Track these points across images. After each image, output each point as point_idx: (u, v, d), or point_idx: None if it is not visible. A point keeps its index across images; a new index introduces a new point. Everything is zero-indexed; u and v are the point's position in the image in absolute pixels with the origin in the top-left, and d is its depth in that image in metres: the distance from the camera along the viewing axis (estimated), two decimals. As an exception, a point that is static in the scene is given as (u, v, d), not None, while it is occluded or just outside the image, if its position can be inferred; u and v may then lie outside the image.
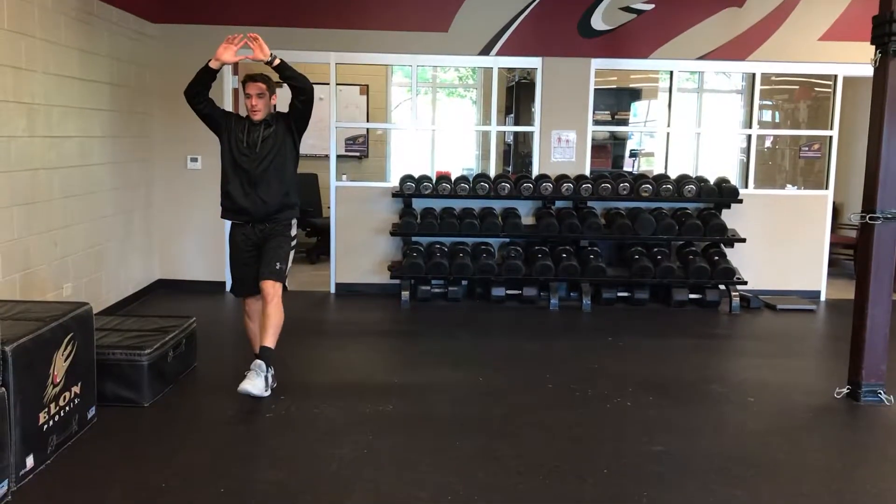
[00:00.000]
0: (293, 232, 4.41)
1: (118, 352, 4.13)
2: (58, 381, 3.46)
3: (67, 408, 3.56)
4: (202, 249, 7.17)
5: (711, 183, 7.08)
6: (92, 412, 3.84)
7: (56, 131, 5.17)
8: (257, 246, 4.32)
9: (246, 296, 4.45)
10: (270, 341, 4.19)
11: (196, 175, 7.06)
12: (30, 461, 3.25)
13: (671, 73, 7.34)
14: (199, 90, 4.20)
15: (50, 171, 5.09)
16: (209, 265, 7.18)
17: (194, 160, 7.04)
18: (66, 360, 3.53)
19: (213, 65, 4.15)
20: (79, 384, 3.66)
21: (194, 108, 4.25)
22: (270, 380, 4.22)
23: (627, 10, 7.07)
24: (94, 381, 3.88)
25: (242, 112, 4.40)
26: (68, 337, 3.56)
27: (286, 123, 4.30)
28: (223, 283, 7.15)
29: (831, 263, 7.76)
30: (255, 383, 4.07)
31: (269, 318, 4.18)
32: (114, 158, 6.10)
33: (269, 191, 4.25)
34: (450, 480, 3.33)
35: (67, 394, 3.56)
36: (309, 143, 9.60)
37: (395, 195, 7.03)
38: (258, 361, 4.15)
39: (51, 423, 3.41)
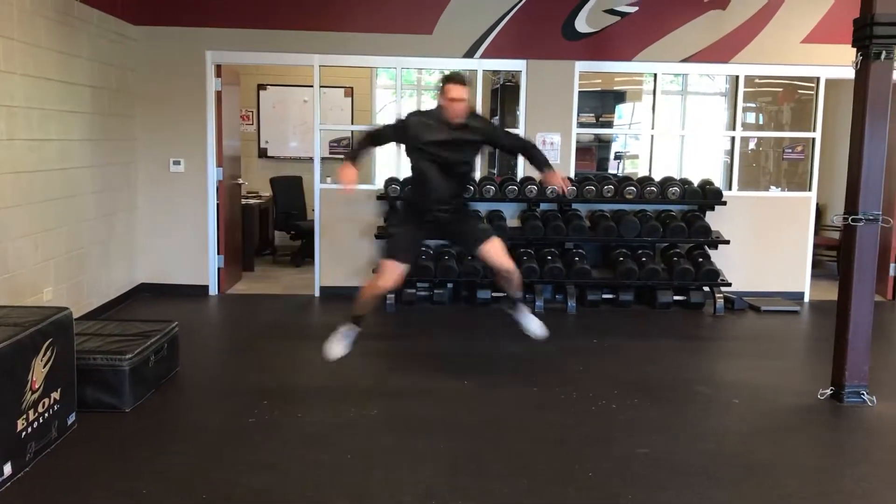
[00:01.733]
0: None
1: (99, 357, 4.08)
2: (36, 387, 3.42)
3: (46, 414, 3.51)
4: (185, 253, 7.11)
5: (695, 185, 7.11)
6: (72, 418, 3.79)
7: (36, 134, 5.11)
8: (441, 226, 4.64)
9: (405, 261, 4.58)
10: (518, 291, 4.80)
11: (179, 178, 7.01)
12: (7, 469, 3.20)
13: (655, 75, 7.34)
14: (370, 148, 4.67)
15: (31, 174, 5.04)
16: (192, 269, 7.12)
17: (177, 163, 6.99)
18: (45, 366, 3.49)
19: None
20: (58, 390, 3.62)
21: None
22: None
23: (611, 12, 7.08)
24: (75, 387, 3.83)
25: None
26: (47, 342, 3.51)
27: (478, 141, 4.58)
28: (206, 287, 7.11)
29: (815, 265, 7.80)
30: (534, 325, 4.84)
31: (511, 273, 4.63)
32: (95, 161, 6.04)
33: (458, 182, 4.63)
34: (434, 484, 3.32)
35: (46, 400, 3.51)
36: (292, 146, 9.64)
37: (379, 198, 7.01)
38: (521, 305, 4.83)
39: (29, 429, 3.36)
